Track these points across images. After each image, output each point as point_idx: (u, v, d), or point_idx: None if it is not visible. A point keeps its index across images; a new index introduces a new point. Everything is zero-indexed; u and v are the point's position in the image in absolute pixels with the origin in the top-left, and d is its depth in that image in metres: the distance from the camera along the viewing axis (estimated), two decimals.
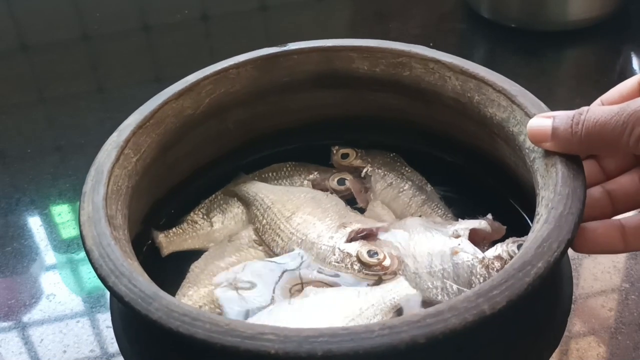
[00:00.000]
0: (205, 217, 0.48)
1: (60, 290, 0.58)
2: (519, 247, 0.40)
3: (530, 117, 0.39)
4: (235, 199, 0.49)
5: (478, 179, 0.49)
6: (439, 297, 0.40)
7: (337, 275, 0.42)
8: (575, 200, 0.35)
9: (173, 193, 0.48)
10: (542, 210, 0.36)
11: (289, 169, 0.50)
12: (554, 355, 0.38)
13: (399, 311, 0.39)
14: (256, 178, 0.50)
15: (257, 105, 0.49)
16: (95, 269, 0.34)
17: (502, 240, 0.42)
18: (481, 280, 0.40)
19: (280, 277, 0.42)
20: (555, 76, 0.82)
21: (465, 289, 0.40)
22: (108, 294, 0.39)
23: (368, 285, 0.41)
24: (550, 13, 0.81)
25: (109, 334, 0.54)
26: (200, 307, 0.41)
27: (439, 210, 0.47)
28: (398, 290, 0.40)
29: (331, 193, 0.48)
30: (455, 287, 0.40)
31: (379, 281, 0.41)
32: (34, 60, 0.90)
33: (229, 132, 0.49)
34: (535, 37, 0.82)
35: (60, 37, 0.92)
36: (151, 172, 0.44)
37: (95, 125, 0.76)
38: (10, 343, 0.54)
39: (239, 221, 0.48)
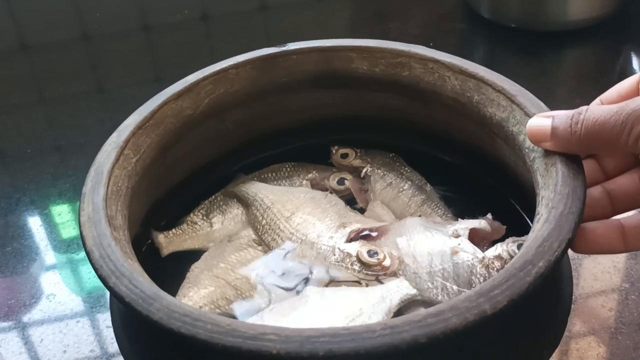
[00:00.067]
0: (204, 218, 0.48)
1: (60, 290, 0.58)
2: (519, 246, 0.40)
3: (529, 116, 0.39)
4: (235, 200, 0.49)
5: (477, 179, 0.49)
6: (439, 297, 0.40)
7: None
8: (576, 199, 0.35)
9: (172, 194, 0.48)
10: (542, 210, 0.36)
11: (289, 169, 0.50)
12: (554, 355, 0.38)
13: (399, 311, 0.39)
14: (255, 178, 0.50)
15: (257, 105, 0.49)
16: (96, 270, 0.34)
17: (501, 240, 0.42)
18: (481, 280, 0.40)
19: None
20: (555, 76, 0.82)
21: (465, 289, 0.40)
22: (108, 294, 0.39)
23: (368, 285, 0.41)
24: (550, 13, 0.81)
25: (109, 334, 0.54)
26: (201, 307, 0.41)
27: (439, 210, 0.47)
28: (398, 290, 0.40)
29: (331, 193, 0.48)
30: (455, 287, 0.40)
31: (378, 281, 0.41)
32: (34, 60, 0.90)
33: (228, 132, 0.49)
34: (535, 37, 0.82)
35: (60, 37, 0.92)
36: (151, 173, 0.44)
37: (95, 125, 0.76)
38: (10, 343, 0.54)
39: (238, 222, 0.48)
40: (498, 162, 0.46)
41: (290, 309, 0.39)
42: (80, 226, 0.37)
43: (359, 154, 0.50)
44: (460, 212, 0.46)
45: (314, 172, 0.50)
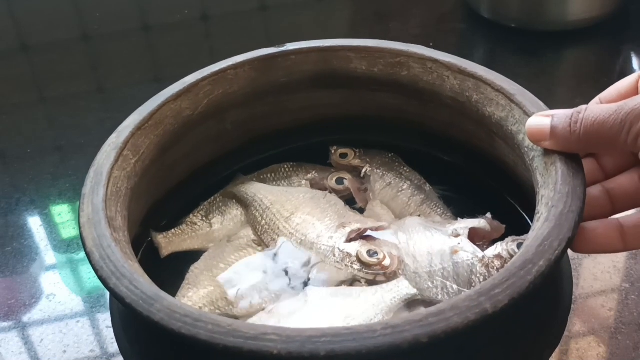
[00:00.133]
0: (204, 218, 0.48)
1: (60, 290, 0.58)
2: (518, 245, 0.40)
3: (529, 115, 0.39)
4: (234, 200, 0.49)
5: (477, 178, 0.49)
6: (439, 297, 0.40)
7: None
8: (576, 198, 0.35)
9: (172, 194, 0.48)
10: (542, 209, 0.36)
11: (288, 169, 0.50)
12: (554, 355, 0.38)
13: (399, 311, 0.39)
14: (255, 179, 0.50)
15: (256, 105, 0.49)
16: (96, 271, 0.34)
17: (501, 239, 0.42)
18: (481, 280, 0.40)
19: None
20: (555, 76, 0.82)
21: (465, 289, 0.40)
22: (108, 294, 0.39)
23: (368, 285, 0.41)
24: (550, 13, 0.81)
25: (109, 334, 0.54)
26: (200, 308, 0.41)
27: (438, 210, 0.47)
28: (398, 290, 0.40)
29: (330, 193, 0.48)
30: (455, 286, 0.40)
31: (378, 281, 0.41)
32: (34, 60, 0.90)
33: (227, 132, 0.49)
34: (535, 37, 0.82)
35: (60, 37, 0.92)
36: (150, 174, 0.44)
37: (95, 125, 0.76)
38: (10, 343, 0.54)
39: (237, 222, 0.48)
40: (497, 161, 0.46)
41: (291, 310, 0.39)
42: (80, 227, 0.37)
43: (358, 154, 0.50)
44: (460, 211, 0.46)
45: (313, 172, 0.50)
